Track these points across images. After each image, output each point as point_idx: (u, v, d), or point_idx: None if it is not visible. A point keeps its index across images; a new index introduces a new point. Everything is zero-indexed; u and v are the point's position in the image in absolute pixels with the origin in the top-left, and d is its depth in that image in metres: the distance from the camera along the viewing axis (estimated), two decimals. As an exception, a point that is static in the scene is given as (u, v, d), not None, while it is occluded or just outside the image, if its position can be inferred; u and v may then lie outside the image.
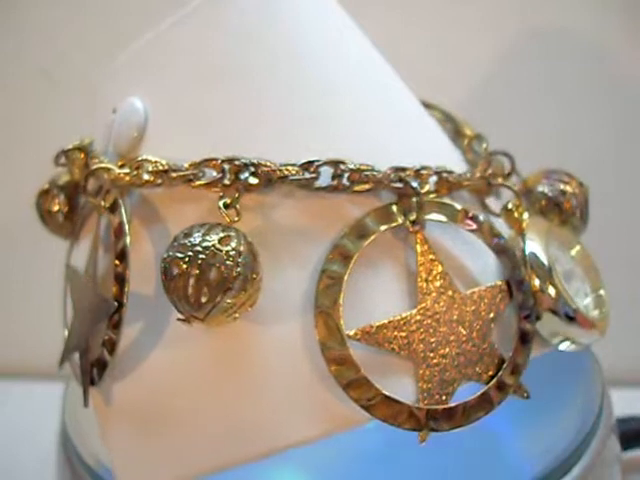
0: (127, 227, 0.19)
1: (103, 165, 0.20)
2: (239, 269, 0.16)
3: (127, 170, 0.19)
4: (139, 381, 0.19)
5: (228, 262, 0.16)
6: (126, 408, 0.19)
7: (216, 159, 0.18)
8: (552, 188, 0.22)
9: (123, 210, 0.19)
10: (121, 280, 0.18)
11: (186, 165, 0.18)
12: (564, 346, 0.20)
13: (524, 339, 0.19)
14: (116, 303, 0.18)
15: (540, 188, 0.22)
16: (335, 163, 0.18)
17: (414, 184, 0.19)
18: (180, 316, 0.17)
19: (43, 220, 0.23)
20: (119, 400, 0.19)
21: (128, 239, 0.19)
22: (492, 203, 0.21)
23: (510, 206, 0.21)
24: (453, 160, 0.22)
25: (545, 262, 0.20)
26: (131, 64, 0.21)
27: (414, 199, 0.18)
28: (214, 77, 0.20)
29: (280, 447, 0.17)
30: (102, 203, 0.20)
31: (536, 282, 0.19)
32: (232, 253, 0.16)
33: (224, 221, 0.17)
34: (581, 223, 0.22)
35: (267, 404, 0.18)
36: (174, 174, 0.18)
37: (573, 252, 0.22)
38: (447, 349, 0.18)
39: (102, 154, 0.21)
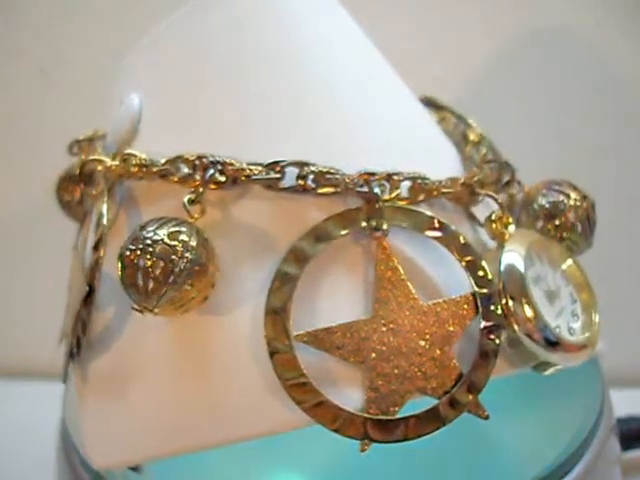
0: (105, 217, 0.20)
1: (96, 156, 0.21)
2: (185, 263, 0.17)
3: (117, 162, 0.20)
4: (107, 360, 0.20)
5: (174, 256, 0.17)
6: (96, 385, 0.20)
7: (188, 156, 0.19)
8: (549, 200, 0.21)
9: (105, 200, 0.20)
10: (94, 266, 0.19)
11: (162, 161, 0.19)
12: (539, 369, 0.19)
13: (485, 357, 0.18)
14: (87, 287, 0.19)
15: (538, 199, 0.21)
16: (300, 164, 0.18)
17: (376, 190, 0.18)
18: (135, 305, 0.17)
19: (62, 207, 0.25)
20: (91, 377, 0.20)
21: (104, 228, 0.20)
22: (480, 212, 0.21)
23: (493, 217, 0.20)
24: (446, 165, 0.21)
25: (521, 278, 0.19)
26: (136, 60, 0.23)
27: (377, 204, 0.18)
28: (201, 76, 0.20)
29: (224, 440, 0.18)
30: (93, 192, 0.21)
31: (509, 299, 0.18)
32: (179, 247, 0.17)
33: (186, 216, 0.18)
34: (581, 239, 0.21)
35: (216, 397, 0.18)
36: (154, 169, 0.19)
37: (565, 269, 0.20)
38: (400, 360, 0.18)
39: (106, 145, 0.22)
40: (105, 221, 0.20)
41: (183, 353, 0.18)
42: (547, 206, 0.21)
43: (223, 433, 0.18)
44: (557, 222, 0.21)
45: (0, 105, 0.36)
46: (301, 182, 0.18)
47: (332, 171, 0.18)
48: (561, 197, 0.21)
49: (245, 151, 0.19)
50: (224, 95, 0.20)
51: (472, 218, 0.20)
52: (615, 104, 0.35)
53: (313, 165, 0.18)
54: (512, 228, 0.20)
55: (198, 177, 0.19)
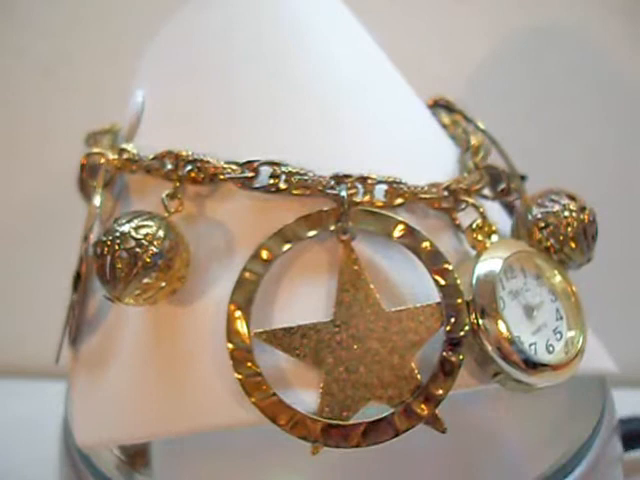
0: (98, 208, 0.21)
1: (97, 150, 0.22)
2: (149, 256, 0.17)
3: (116, 156, 0.21)
4: (93, 343, 0.21)
5: (138, 249, 0.17)
6: (83, 366, 0.21)
7: (170, 152, 0.19)
8: (543, 210, 0.20)
9: (99, 192, 0.21)
10: (83, 255, 0.20)
11: (150, 156, 0.20)
12: (510, 386, 0.18)
13: (446, 369, 0.17)
14: (76, 274, 0.20)
15: (533, 209, 0.20)
16: (274, 164, 0.18)
17: (344, 192, 0.18)
18: (106, 294, 0.18)
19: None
20: (80, 358, 0.21)
21: (94, 218, 0.21)
22: (468, 220, 0.20)
23: (474, 226, 0.19)
24: (439, 170, 0.21)
25: (492, 291, 0.18)
26: (145, 57, 0.23)
27: (342, 207, 0.18)
28: (195, 74, 0.21)
29: (186, 430, 0.18)
30: (94, 184, 0.22)
31: (478, 312, 0.18)
32: (143, 241, 0.17)
33: (162, 211, 0.19)
34: (576, 253, 0.20)
35: (180, 387, 0.18)
36: (143, 163, 0.20)
37: (553, 284, 0.19)
38: (358, 366, 0.17)
39: (119, 139, 0.23)
40: (98, 212, 0.21)
41: (154, 342, 0.19)
42: (540, 216, 0.20)
43: (185, 423, 0.18)
44: (549, 234, 0.20)
45: (3, 104, 0.37)
46: (272, 182, 0.18)
47: (302, 172, 0.18)
48: (556, 207, 0.20)
49: (230, 149, 0.19)
50: (215, 93, 0.21)
51: (457, 226, 0.20)
52: (615, 103, 0.34)
53: (285, 165, 0.18)
54: (495, 238, 0.19)
55: (180, 173, 0.19)
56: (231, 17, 0.21)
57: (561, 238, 0.20)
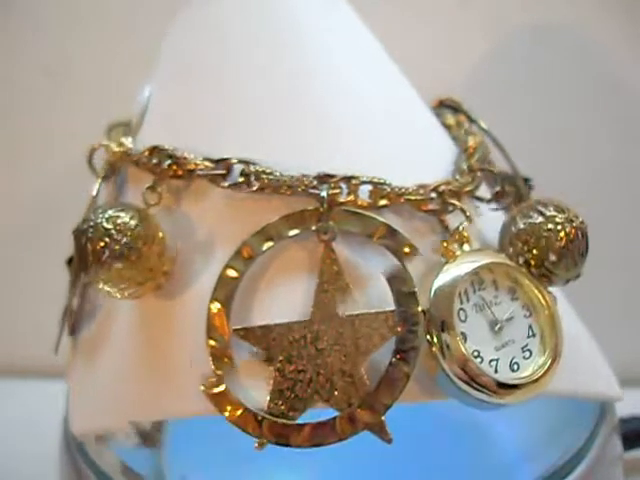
0: (94, 198, 0.22)
1: (104, 142, 0.23)
2: (117, 247, 0.18)
3: (116, 148, 0.22)
4: (89, 333, 0.22)
5: (107, 238, 0.18)
6: (79, 355, 0.22)
7: (156, 147, 0.20)
8: (527, 221, 0.19)
9: (99, 182, 0.22)
10: None
11: (141, 150, 0.21)
12: (465, 401, 0.18)
13: (393, 381, 0.17)
14: (69, 260, 0.22)
15: (517, 220, 0.19)
16: (245, 162, 0.19)
17: (323, 192, 0.18)
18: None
19: None
20: (78, 347, 0.23)
21: (90, 210, 0.22)
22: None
23: (460, 229, 0.19)
24: (431, 171, 0.20)
25: (449, 302, 0.17)
26: (159, 52, 0.24)
27: (322, 207, 0.18)
28: (190, 71, 0.22)
29: (158, 415, 0.19)
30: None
31: (433, 324, 0.17)
32: (112, 232, 0.18)
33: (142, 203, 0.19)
34: (560, 268, 0.19)
35: (160, 378, 0.19)
36: (134, 157, 0.21)
37: (531, 299, 0.18)
38: (309, 367, 0.17)
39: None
40: (95, 201, 0.22)
41: (140, 334, 0.20)
42: (522, 227, 0.19)
43: (161, 410, 0.19)
44: (530, 246, 0.19)
45: (3, 105, 0.37)
46: (242, 180, 0.19)
47: (268, 171, 0.18)
48: (539, 219, 0.19)
49: (214, 147, 0.20)
50: (207, 92, 0.21)
51: (446, 229, 0.19)
52: (615, 103, 0.34)
53: (254, 164, 0.19)
54: (466, 247, 0.19)
55: (161, 167, 0.20)
56: (228, 15, 0.22)
57: (541, 252, 0.19)
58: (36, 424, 0.31)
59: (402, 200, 0.19)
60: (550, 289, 0.19)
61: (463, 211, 0.19)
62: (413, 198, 0.19)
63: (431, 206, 0.19)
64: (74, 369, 0.22)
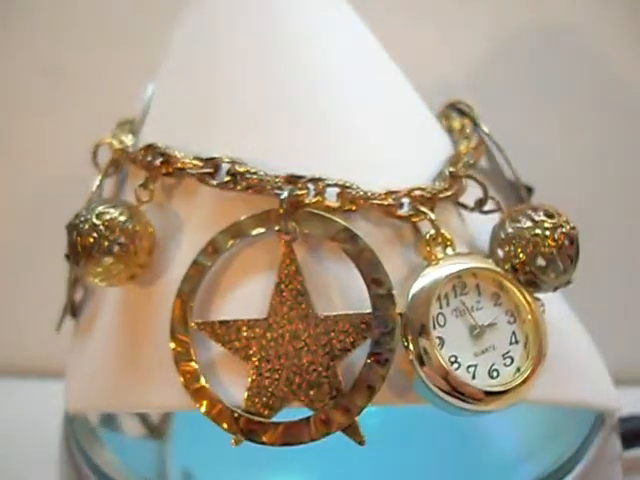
0: (93, 194, 0.22)
1: (107, 139, 0.24)
2: (105, 243, 0.19)
3: (118, 146, 0.23)
4: (85, 317, 0.23)
5: (95, 234, 0.19)
6: (76, 339, 0.23)
7: (150, 146, 0.20)
8: (514, 226, 0.19)
9: (98, 179, 0.23)
10: None
11: (138, 148, 0.21)
12: (439, 406, 0.17)
13: (366, 384, 0.17)
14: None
15: (506, 224, 0.19)
16: (232, 162, 0.19)
17: (284, 194, 0.18)
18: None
19: None
20: (76, 331, 0.23)
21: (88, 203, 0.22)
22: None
23: (427, 237, 0.18)
24: (414, 176, 0.20)
25: (426, 306, 0.17)
26: (162, 53, 0.25)
27: (282, 207, 0.18)
28: (186, 69, 0.22)
29: (136, 407, 0.20)
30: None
31: (408, 328, 0.17)
32: (100, 228, 0.19)
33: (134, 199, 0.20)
34: (547, 274, 0.18)
35: (138, 367, 0.20)
36: (132, 155, 0.21)
37: (516, 305, 0.18)
38: (284, 366, 0.18)
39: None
40: (92, 197, 0.22)
41: (122, 321, 0.20)
42: (510, 232, 0.19)
43: (135, 400, 0.20)
44: (517, 251, 0.18)
45: (3, 105, 0.37)
46: (228, 179, 0.19)
47: (252, 171, 0.19)
48: (528, 224, 0.18)
49: (208, 146, 0.20)
50: (202, 91, 0.21)
51: (417, 232, 0.19)
52: (616, 103, 0.34)
53: (240, 164, 0.19)
54: (449, 251, 0.18)
55: (153, 165, 0.20)
56: (225, 15, 0.22)
57: (528, 257, 0.18)
58: (36, 424, 0.31)
59: (369, 205, 0.18)
60: (551, 294, 0.19)
61: (431, 220, 0.18)
62: (381, 203, 0.18)
63: (401, 212, 0.19)
64: (71, 350, 0.23)
